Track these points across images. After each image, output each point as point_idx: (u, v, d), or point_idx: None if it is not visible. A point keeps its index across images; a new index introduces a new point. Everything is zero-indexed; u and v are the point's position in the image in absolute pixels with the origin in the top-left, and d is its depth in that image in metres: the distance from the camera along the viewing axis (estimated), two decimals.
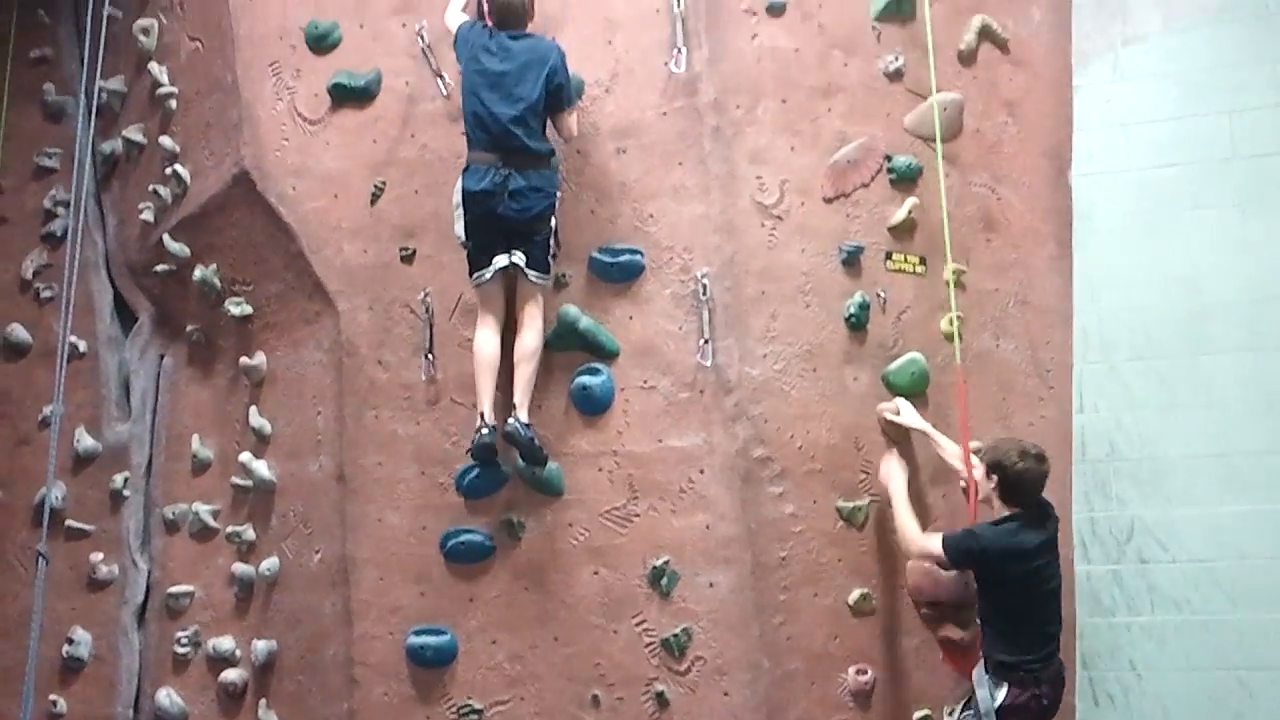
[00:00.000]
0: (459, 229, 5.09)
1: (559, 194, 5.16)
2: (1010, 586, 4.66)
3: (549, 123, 5.14)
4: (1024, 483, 4.69)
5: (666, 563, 5.10)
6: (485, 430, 4.99)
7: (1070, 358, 5.74)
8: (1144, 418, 5.70)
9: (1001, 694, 4.64)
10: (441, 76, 5.41)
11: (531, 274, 5.07)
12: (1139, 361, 5.75)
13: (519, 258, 5.03)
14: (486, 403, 5.03)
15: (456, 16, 5.29)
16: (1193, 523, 5.59)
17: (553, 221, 5.11)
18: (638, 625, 5.11)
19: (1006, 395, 5.51)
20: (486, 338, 5.10)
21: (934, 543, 4.79)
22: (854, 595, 5.17)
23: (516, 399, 5.01)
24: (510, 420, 4.98)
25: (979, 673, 4.75)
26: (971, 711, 4.78)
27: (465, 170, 5.08)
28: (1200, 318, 5.72)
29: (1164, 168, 5.88)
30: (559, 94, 5.07)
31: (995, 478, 4.73)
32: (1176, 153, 5.86)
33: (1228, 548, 5.53)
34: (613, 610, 5.13)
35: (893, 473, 5.09)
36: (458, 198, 5.08)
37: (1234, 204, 5.79)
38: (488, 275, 5.07)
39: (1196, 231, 5.79)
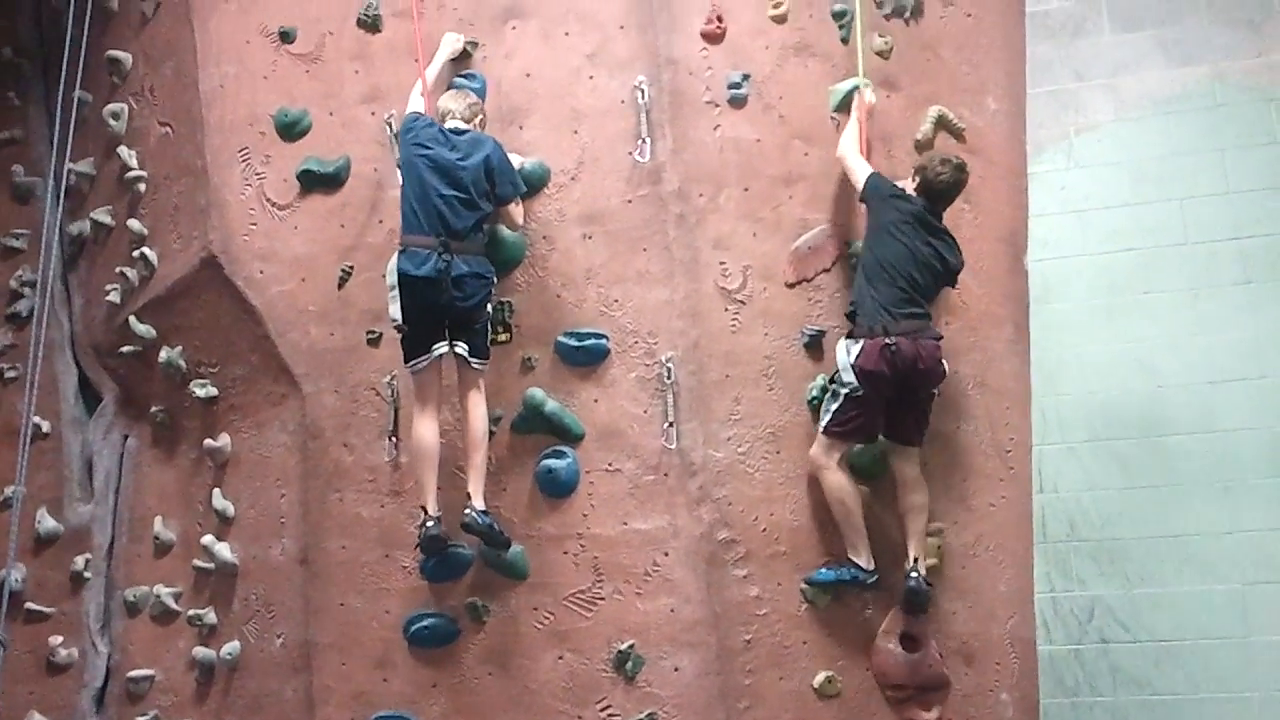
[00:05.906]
0: (394, 311, 5.02)
1: (495, 280, 5.17)
2: (890, 231, 5.13)
3: (491, 215, 5.20)
4: (933, 185, 5.22)
5: (631, 646, 5.09)
6: (430, 524, 4.97)
7: (1029, 439, 5.80)
8: (1103, 498, 5.80)
9: (856, 349, 5.05)
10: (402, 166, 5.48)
11: (475, 362, 5.08)
12: (1097, 443, 5.85)
13: (462, 349, 5.04)
14: (429, 496, 5.02)
15: (414, 103, 5.35)
16: (1153, 603, 5.66)
17: (489, 307, 5.13)
18: (602, 710, 5.09)
19: (967, 477, 5.55)
20: (426, 427, 5.05)
21: (862, 171, 5.29)
22: (819, 678, 5.17)
23: (470, 488, 5.00)
24: (466, 511, 4.95)
25: (841, 340, 5.18)
26: (835, 384, 5.14)
27: (402, 252, 5.01)
28: (1157, 399, 5.83)
29: (1118, 253, 6.03)
30: (499, 182, 5.12)
31: (916, 179, 5.26)
32: (1130, 238, 6.02)
33: (1188, 628, 5.61)
34: (577, 695, 5.11)
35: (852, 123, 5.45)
36: (392, 279, 5.00)
37: (1188, 288, 5.93)
38: (424, 364, 5.05)
39: (1151, 315, 5.93)
